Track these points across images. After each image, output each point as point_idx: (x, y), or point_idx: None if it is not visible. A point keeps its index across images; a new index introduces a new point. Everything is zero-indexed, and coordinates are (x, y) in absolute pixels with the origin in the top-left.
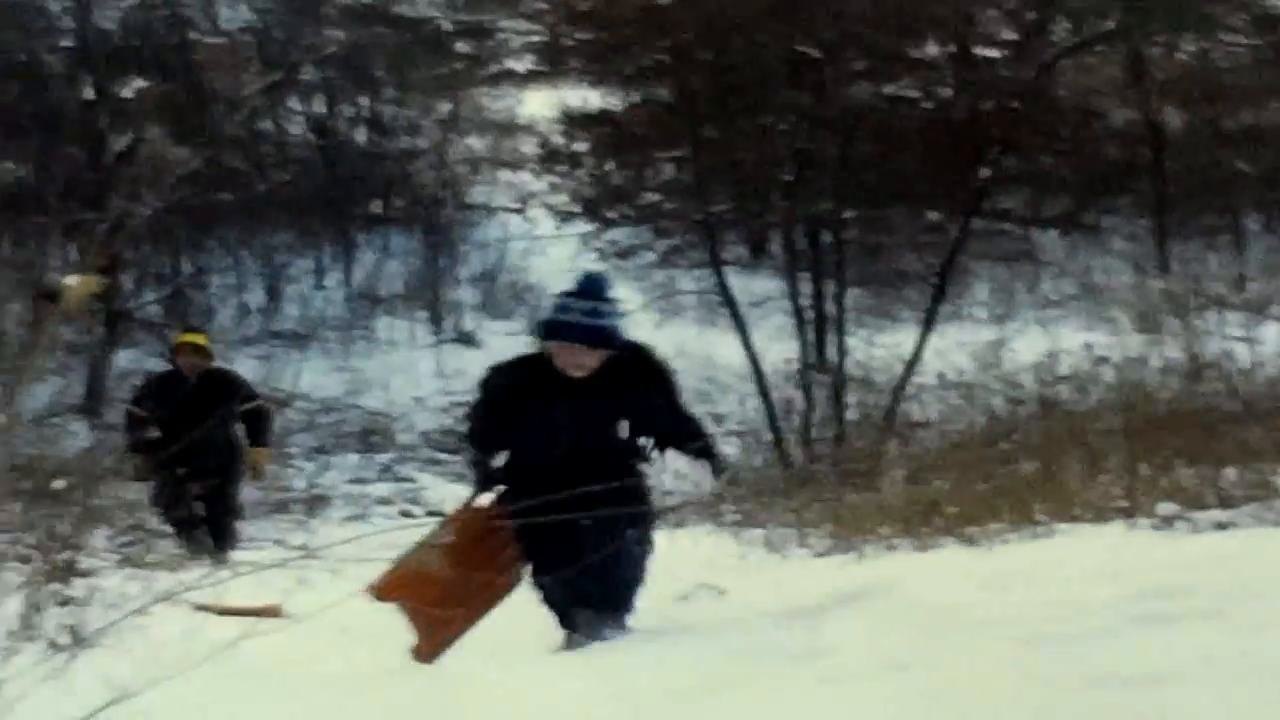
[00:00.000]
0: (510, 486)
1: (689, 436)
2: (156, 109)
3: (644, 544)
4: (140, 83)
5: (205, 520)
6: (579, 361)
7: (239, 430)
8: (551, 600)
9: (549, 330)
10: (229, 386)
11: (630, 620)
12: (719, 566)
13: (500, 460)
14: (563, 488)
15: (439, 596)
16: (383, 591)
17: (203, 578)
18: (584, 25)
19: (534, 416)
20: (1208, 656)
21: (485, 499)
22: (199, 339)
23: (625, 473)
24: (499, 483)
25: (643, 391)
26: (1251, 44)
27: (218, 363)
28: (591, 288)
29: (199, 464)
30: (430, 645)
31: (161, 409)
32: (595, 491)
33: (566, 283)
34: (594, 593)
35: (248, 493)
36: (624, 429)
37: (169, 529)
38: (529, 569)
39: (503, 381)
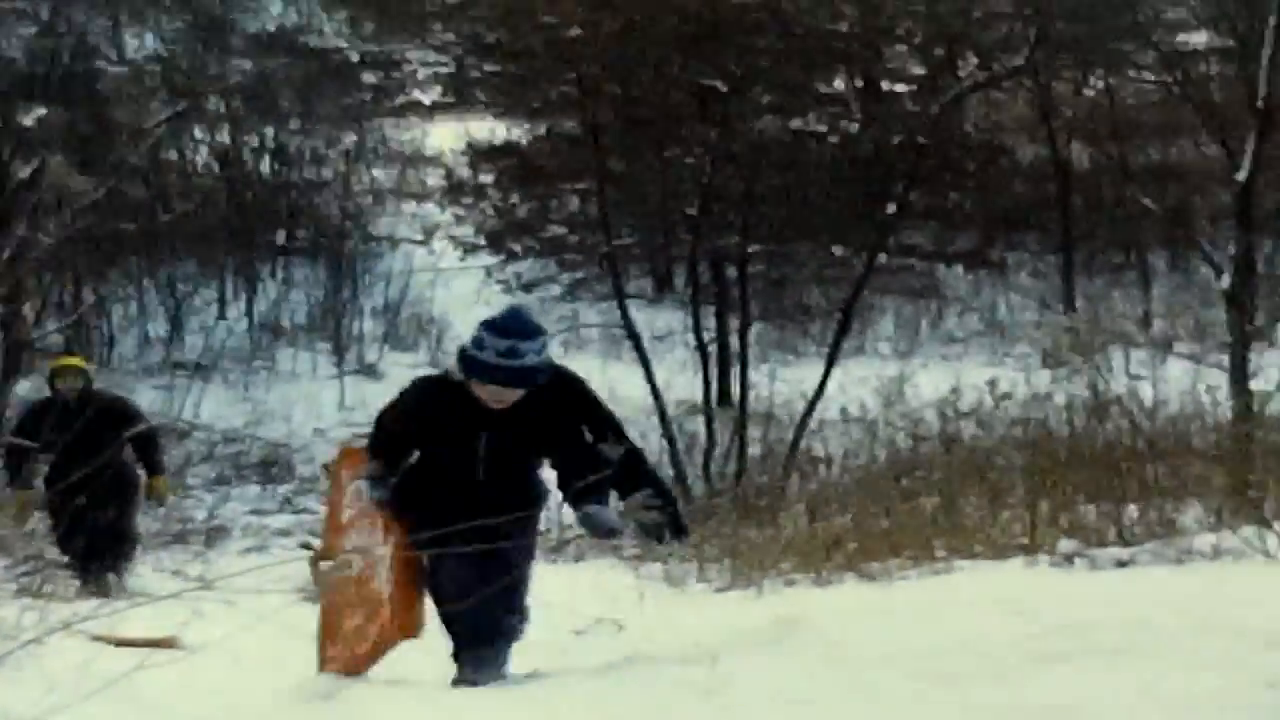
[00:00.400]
0: (411, 506)
1: (626, 461)
2: (59, 137)
3: (523, 587)
4: (41, 110)
5: (100, 550)
6: (498, 398)
7: (129, 456)
8: (451, 630)
9: (466, 367)
10: (115, 411)
11: (508, 667)
12: (618, 600)
13: (395, 477)
14: (467, 516)
15: (377, 607)
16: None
17: (98, 608)
18: (491, 57)
19: (451, 443)
20: (1108, 693)
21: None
22: (78, 361)
23: (528, 505)
24: (399, 497)
25: (564, 421)
26: (1159, 81)
27: (101, 387)
28: (511, 325)
29: (92, 493)
30: (354, 658)
31: (49, 436)
32: (497, 523)
33: (487, 314)
34: (483, 628)
35: (145, 523)
36: (539, 461)
37: (65, 560)
38: (432, 596)
39: (426, 400)
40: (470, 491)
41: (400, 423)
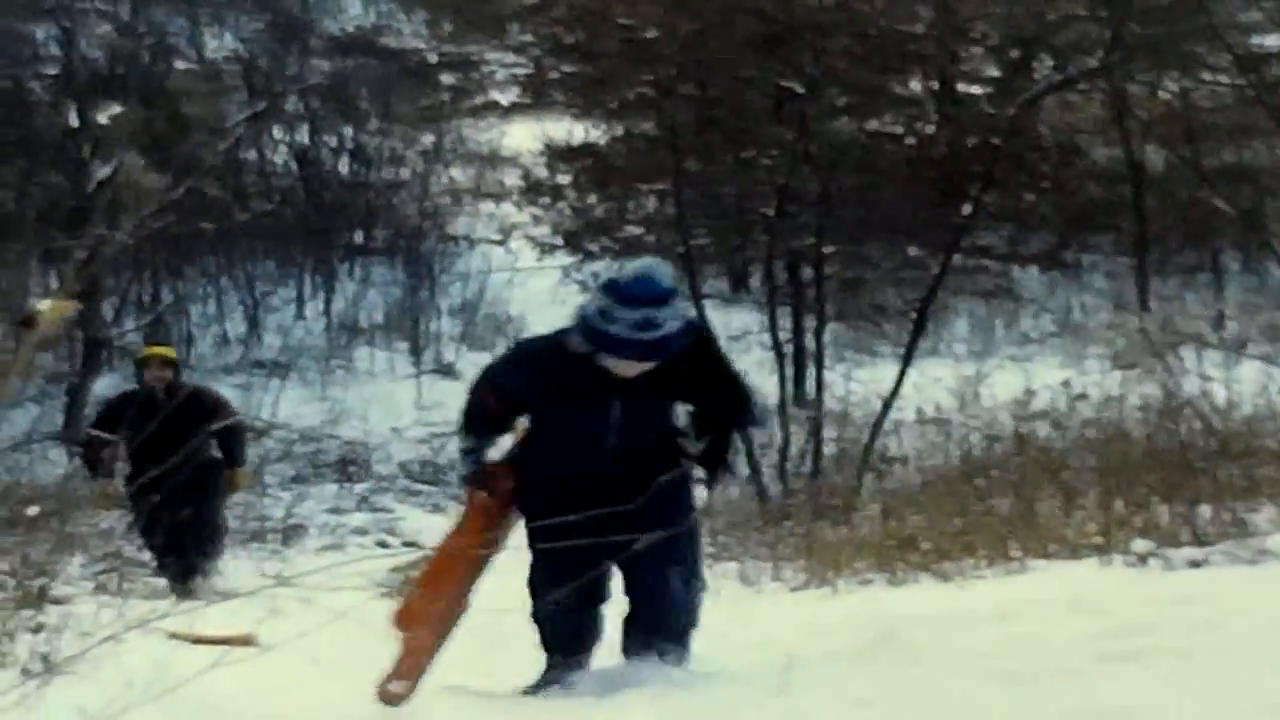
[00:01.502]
0: (528, 487)
1: (731, 413)
2: (136, 136)
3: (694, 570)
4: (117, 109)
5: (184, 545)
6: (631, 371)
7: (214, 448)
8: (557, 630)
9: (593, 342)
10: (204, 402)
11: (687, 660)
12: None
13: (503, 451)
14: (600, 495)
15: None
16: (402, 621)
17: (176, 605)
18: (569, 58)
19: (573, 415)
20: (1174, 694)
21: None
22: (167, 352)
23: (670, 469)
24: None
25: (698, 377)
26: (1233, 84)
27: (187, 379)
28: (642, 292)
29: (176, 486)
30: (404, 677)
31: (133, 429)
32: (636, 508)
33: (616, 277)
34: (641, 619)
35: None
36: (675, 417)
37: (146, 556)
38: (535, 593)
39: (542, 363)
40: (601, 464)
41: (513, 382)
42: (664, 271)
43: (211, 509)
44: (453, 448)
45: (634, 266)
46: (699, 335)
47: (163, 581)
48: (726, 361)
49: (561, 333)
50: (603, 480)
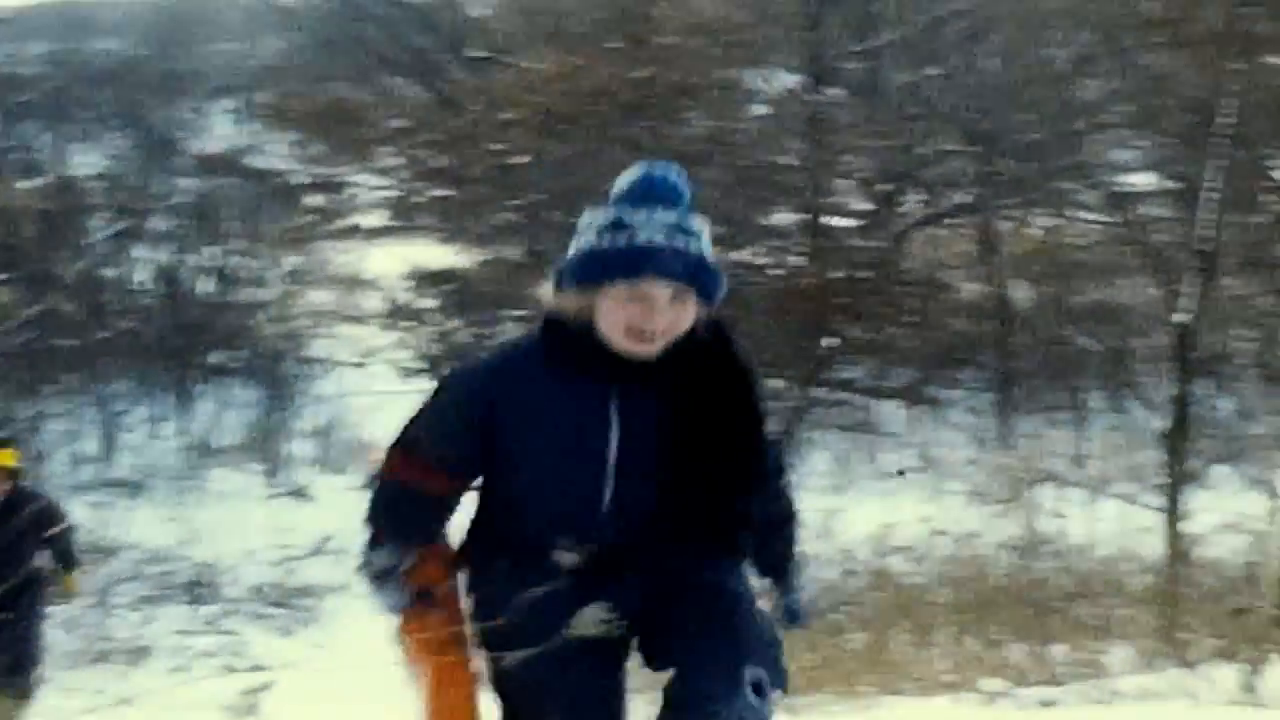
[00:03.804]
0: (482, 593)
1: (774, 516)
2: None
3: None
4: None
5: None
6: (655, 324)
7: (46, 556)
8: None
9: (609, 267)
10: (44, 514)
11: None
12: None
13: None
14: (591, 585)
15: None
16: None
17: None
18: (437, 182)
19: (560, 462)
20: None
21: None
22: (7, 458)
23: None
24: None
25: (733, 412)
26: (1102, 221)
27: (28, 485)
28: (661, 190)
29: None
30: None
31: None
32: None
33: (629, 176)
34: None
35: (69, 641)
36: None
37: None
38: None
39: (491, 385)
40: (593, 537)
41: (464, 433)
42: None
43: (35, 620)
44: (310, 571)
45: (641, 164)
46: (735, 353)
47: None
48: (763, 405)
49: (511, 346)
50: (597, 563)
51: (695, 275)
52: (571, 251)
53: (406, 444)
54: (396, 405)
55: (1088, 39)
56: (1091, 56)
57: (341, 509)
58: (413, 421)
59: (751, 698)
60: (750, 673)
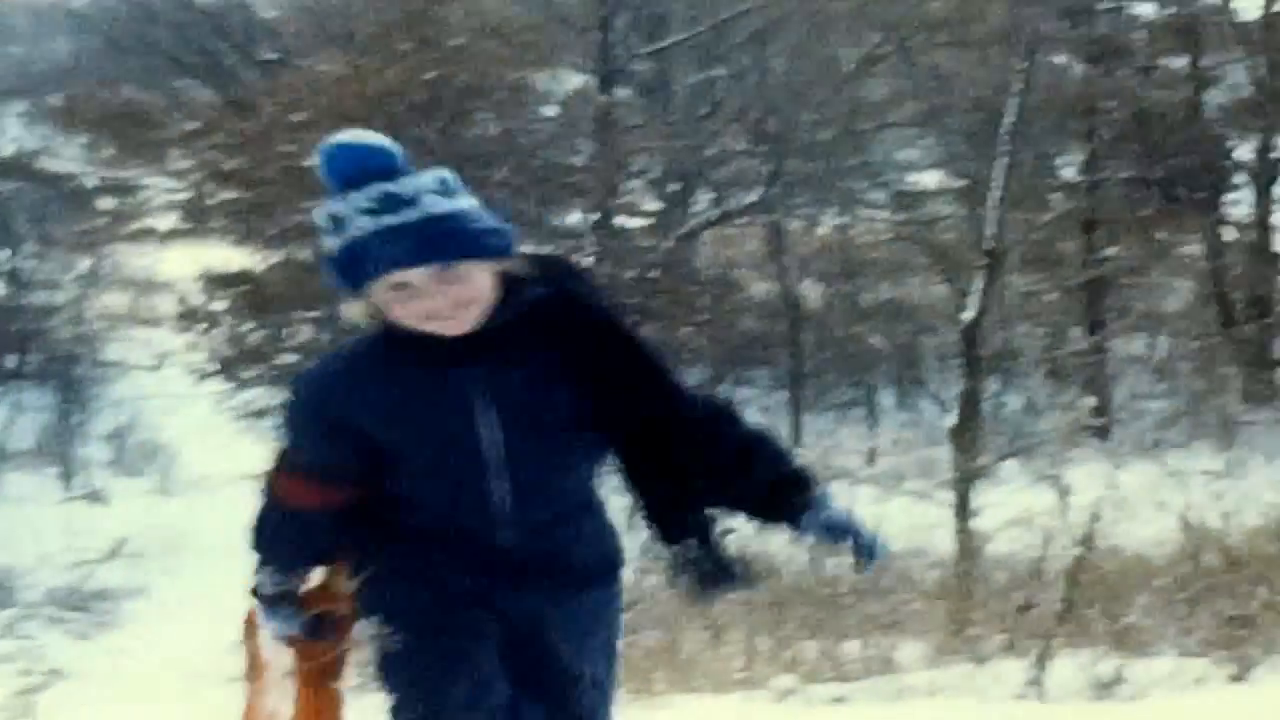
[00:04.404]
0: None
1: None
2: None
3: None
4: None
5: None
6: (438, 307)
7: None
8: None
9: (348, 273)
10: None
11: None
12: None
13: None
14: (481, 578)
15: None
16: None
17: None
18: (229, 184)
19: (425, 445)
20: None
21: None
22: None
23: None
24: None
25: (600, 356)
26: (890, 220)
27: None
28: (350, 165)
29: None
30: None
31: None
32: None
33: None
34: None
35: None
36: (593, 455)
37: None
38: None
39: (345, 386)
40: (481, 523)
41: (314, 446)
42: (375, 136)
43: None
44: (107, 575)
45: (326, 143)
46: (570, 280)
47: None
48: (644, 344)
49: (354, 343)
50: (486, 554)
51: (429, 248)
52: (325, 247)
53: (280, 462)
54: (191, 407)
55: (874, 39)
56: (878, 56)
57: (137, 512)
58: (281, 439)
59: None
60: None
